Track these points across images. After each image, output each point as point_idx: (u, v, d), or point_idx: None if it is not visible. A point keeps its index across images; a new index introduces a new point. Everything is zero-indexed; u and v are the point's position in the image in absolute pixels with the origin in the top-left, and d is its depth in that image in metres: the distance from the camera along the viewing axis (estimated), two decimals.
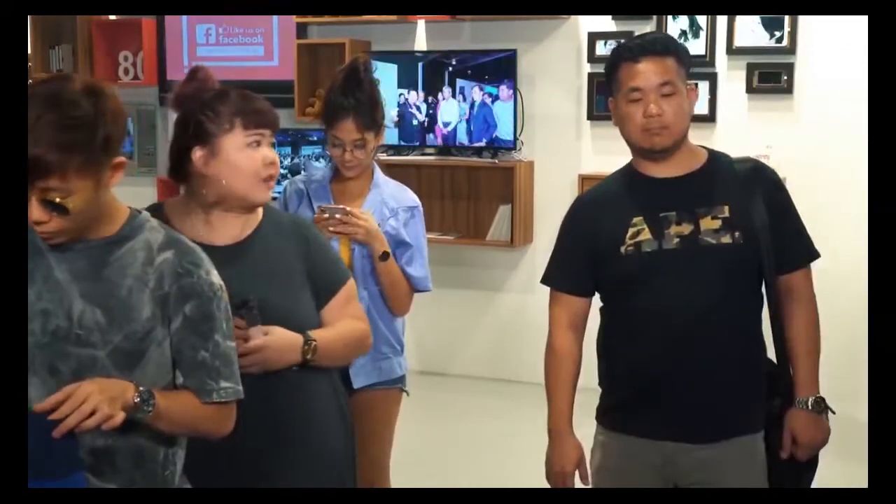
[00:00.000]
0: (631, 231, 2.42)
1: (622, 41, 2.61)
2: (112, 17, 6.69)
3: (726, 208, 2.40)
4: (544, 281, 2.61)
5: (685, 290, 2.38)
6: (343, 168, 3.02)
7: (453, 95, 5.86)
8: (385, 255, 2.94)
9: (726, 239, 2.38)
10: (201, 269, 1.92)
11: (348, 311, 2.43)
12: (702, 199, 2.42)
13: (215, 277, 1.94)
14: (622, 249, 2.42)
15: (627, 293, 2.44)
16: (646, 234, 2.41)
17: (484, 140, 5.84)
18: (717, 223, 2.39)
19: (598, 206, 2.52)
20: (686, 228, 2.40)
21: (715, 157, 2.51)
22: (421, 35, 6.12)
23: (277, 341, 2.24)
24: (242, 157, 2.27)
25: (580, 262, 2.52)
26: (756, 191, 2.42)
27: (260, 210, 2.38)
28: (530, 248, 6.03)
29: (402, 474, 3.38)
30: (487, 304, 6.20)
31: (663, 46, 2.43)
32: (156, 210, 2.29)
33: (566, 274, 2.56)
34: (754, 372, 2.46)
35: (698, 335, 2.38)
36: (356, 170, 3.04)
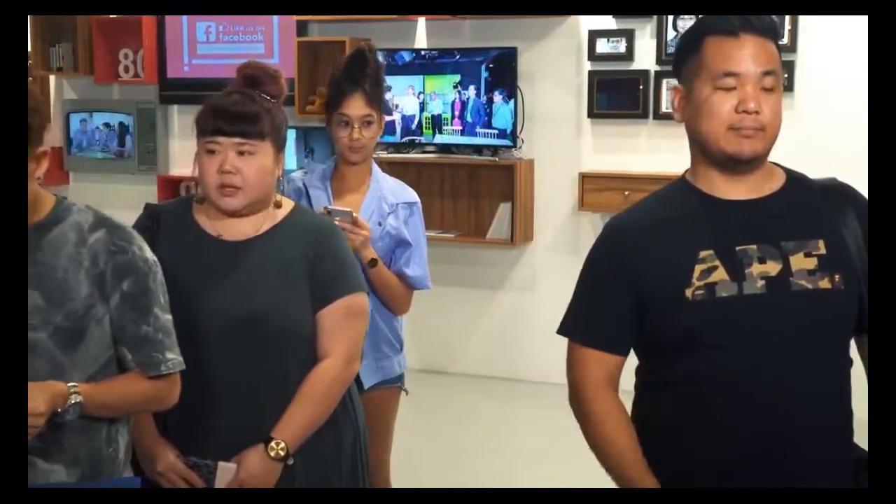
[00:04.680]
0: (699, 269, 1.85)
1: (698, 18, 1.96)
2: (112, 15, 6.69)
3: (821, 243, 1.87)
4: (565, 332, 2.01)
5: (773, 351, 1.82)
6: (349, 151, 2.97)
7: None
8: (373, 263, 2.90)
9: (824, 283, 1.84)
10: (133, 245, 1.97)
11: (344, 325, 2.33)
12: (789, 231, 1.88)
13: (148, 253, 2.01)
14: (688, 293, 1.84)
15: (692, 353, 1.86)
16: (720, 274, 1.84)
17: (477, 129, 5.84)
18: (812, 262, 1.85)
19: (646, 234, 1.92)
20: (773, 268, 1.84)
21: (795, 178, 1.98)
22: (421, 33, 6.12)
23: (255, 476, 2.22)
24: (202, 164, 2.29)
25: (620, 310, 1.92)
26: (851, 220, 1.90)
27: (282, 211, 2.36)
28: (531, 246, 6.03)
29: (401, 473, 3.38)
30: (488, 302, 6.20)
31: (769, 26, 1.87)
32: (188, 201, 2.39)
33: (599, 325, 1.96)
34: (847, 464, 1.91)
35: (790, 412, 1.83)
36: (362, 153, 2.99)
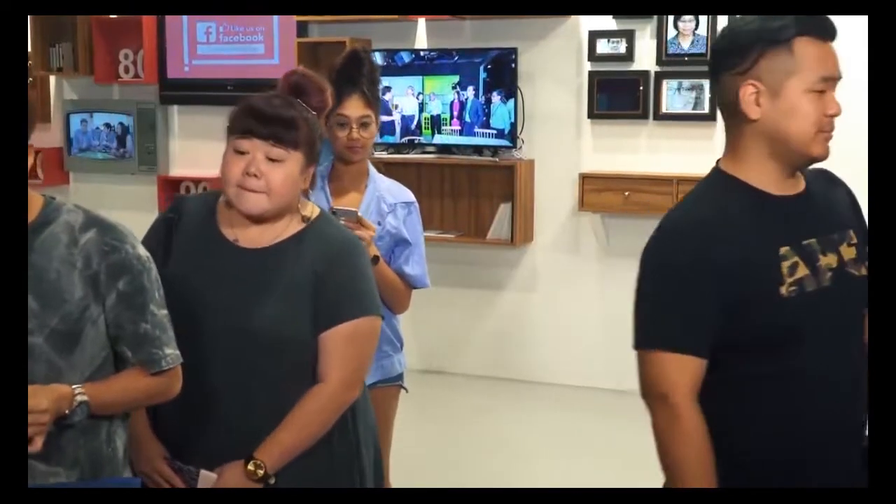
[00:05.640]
0: (785, 265, 1.83)
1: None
2: (112, 15, 6.69)
3: (852, 233, 1.94)
4: (650, 343, 1.88)
5: (843, 343, 1.86)
6: (348, 151, 2.99)
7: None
8: (375, 260, 2.88)
9: (863, 271, 1.90)
10: (126, 244, 1.96)
11: (345, 349, 2.25)
12: (832, 223, 1.92)
13: (142, 250, 1.99)
14: (783, 290, 1.82)
15: (782, 351, 1.83)
16: (803, 269, 1.84)
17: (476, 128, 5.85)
18: (853, 251, 1.91)
19: (719, 232, 1.85)
20: (833, 260, 1.88)
21: (804, 173, 2.00)
22: (421, 33, 6.12)
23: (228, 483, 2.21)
24: (227, 161, 2.21)
25: (704, 311, 1.83)
26: (856, 210, 2.00)
27: (304, 220, 2.29)
28: (531, 246, 6.03)
29: (401, 473, 3.38)
30: (488, 302, 6.20)
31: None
32: (214, 199, 2.32)
33: (690, 328, 1.85)
34: (862, 458, 1.88)
35: (852, 404, 1.87)
36: (361, 153, 3.00)
